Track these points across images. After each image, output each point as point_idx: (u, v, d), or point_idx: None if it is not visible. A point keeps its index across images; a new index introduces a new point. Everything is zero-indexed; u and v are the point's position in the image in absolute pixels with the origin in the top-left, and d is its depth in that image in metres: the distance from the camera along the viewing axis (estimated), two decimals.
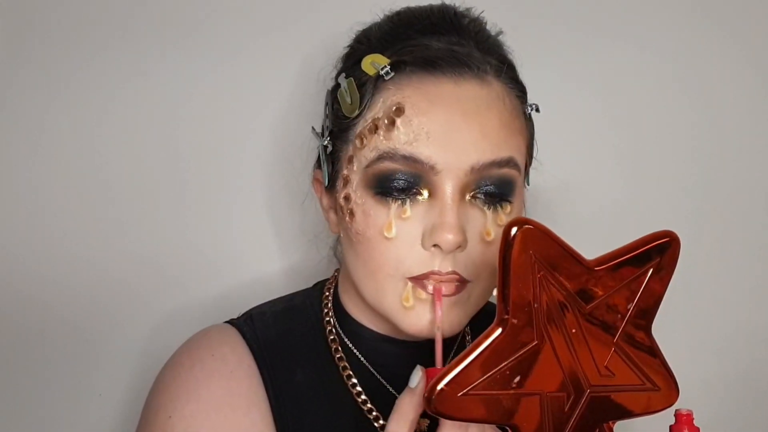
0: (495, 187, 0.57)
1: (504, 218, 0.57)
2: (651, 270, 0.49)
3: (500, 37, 0.66)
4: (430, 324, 0.57)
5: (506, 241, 0.46)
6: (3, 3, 0.80)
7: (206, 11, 0.84)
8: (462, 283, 0.57)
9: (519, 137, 0.59)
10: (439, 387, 0.47)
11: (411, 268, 0.56)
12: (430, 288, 0.56)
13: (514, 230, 0.46)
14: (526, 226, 0.46)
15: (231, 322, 0.67)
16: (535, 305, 0.47)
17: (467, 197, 0.57)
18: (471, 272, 0.57)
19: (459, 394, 0.47)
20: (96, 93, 0.82)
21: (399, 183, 0.56)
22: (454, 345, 0.68)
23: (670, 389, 0.53)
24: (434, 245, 0.55)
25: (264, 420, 0.60)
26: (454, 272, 0.56)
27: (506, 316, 0.47)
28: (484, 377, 0.47)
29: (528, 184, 0.65)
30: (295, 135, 0.81)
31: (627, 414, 0.52)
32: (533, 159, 0.66)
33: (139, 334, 0.83)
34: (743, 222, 0.92)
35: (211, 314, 0.73)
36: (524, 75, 0.84)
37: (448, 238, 0.54)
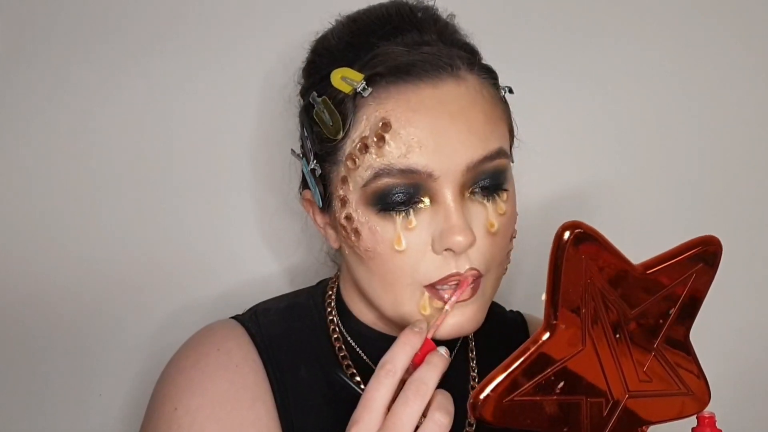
0: (490, 180, 0.57)
1: (503, 206, 0.58)
2: (694, 275, 0.49)
3: (454, 20, 0.65)
4: (451, 327, 0.57)
5: (558, 245, 0.45)
6: (3, 3, 0.78)
7: (205, 11, 0.83)
8: (478, 279, 0.57)
9: (501, 124, 0.60)
10: (485, 392, 0.46)
11: (428, 275, 0.56)
12: (446, 296, 0.57)
13: (566, 234, 0.45)
14: (578, 230, 0.45)
15: (236, 317, 0.67)
16: (583, 310, 0.47)
17: (466, 194, 0.57)
18: (484, 266, 0.57)
19: (504, 400, 0.46)
20: (94, 95, 0.81)
21: (400, 196, 0.55)
22: (457, 341, 0.68)
23: (703, 393, 0.53)
24: (446, 249, 0.56)
25: (269, 414, 0.60)
26: (472, 268, 0.56)
27: (554, 322, 0.46)
28: (530, 383, 0.47)
29: (513, 162, 0.65)
30: (291, 135, 0.80)
31: (661, 418, 0.52)
32: (515, 138, 0.66)
33: (139, 335, 0.83)
34: (747, 222, 0.93)
35: (211, 315, 0.72)
36: (541, 75, 0.84)
37: (459, 240, 0.54)
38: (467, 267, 0.56)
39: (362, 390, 0.62)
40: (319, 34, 0.65)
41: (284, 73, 0.77)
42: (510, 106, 0.63)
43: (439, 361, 0.52)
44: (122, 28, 0.81)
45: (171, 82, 0.82)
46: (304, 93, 0.63)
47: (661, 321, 0.50)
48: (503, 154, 0.58)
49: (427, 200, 0.56)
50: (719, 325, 0.90)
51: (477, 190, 0.57)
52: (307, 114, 0.62)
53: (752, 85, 0.92)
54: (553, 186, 0.89)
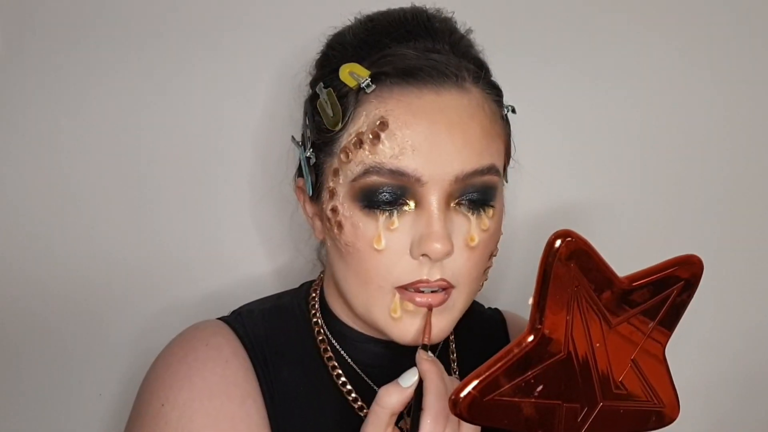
0: (478, 194, 0.58)
1: (487, 222, 0.59)
2: (675, 291, 0.51)
3: (470, 36, 0.65)
4: (417, 333, 0.58)
5: (549, 252, 0.46)
6: (3, 3, 0.78)
7: (201, 18, 0.83)
8: (448, 289, 0.58)
9: (498, 142, 0.60)
10: (466, 390, 0.47)
11: (400, 277, 0.57)
12: (418, 300, 0.57)
13: (558, 242, 0.46)
14: (569, 238, 0.47)
15: (221, 319, 0.67)
16: (567, 317, 0.48)
17: (452, 205, 0.58)
18: (457, 278, 0.58)
19: (485, 399, 0.47)
20: (82, 97, 0.81)
21: (386, 196, 0.56)
22: (438, 345, 0.69)
23: (673, 407, 0.54)
24: (423, 254, 0.56)
25: (259, 412, 0.60)
26: (442, 279, 0.57)
27: (539, 326, 0.48)
28: (510, 384, 0.48)
29: (507, 182, 0.66)
30: (282, 137, 0.81)
31: (632, 428, 0.53)
32: (510, 158, 0.67)
33: (129, 336, 0.83)
34: (749, 225, 0.95)
35: (202, 316, 0.72)
36: (541, 83, 0.84)
37: (437, 247, 0.55)
38: (438, 277, 0.57)
39: (348, 391, 0.63)
40: (337, 30, 0.66)
41: (283, 79, 0.79)
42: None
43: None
44: (120, 25, 0.81)
45: (159, 82, 0.82)
46: (314, 84, 0.64)
47: (641, 333, 0.51)
48: (495, 171, 0.58)
49: (412, 204, 0.57)
50: (721, 327, 0.93)
51: (464, 202, 0.58)
52: (311, 103, 0.62)
53: (745, 99, 0.93)
54: (544, 197, 0.90)
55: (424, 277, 0.57)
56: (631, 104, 0.91)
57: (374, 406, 0.52)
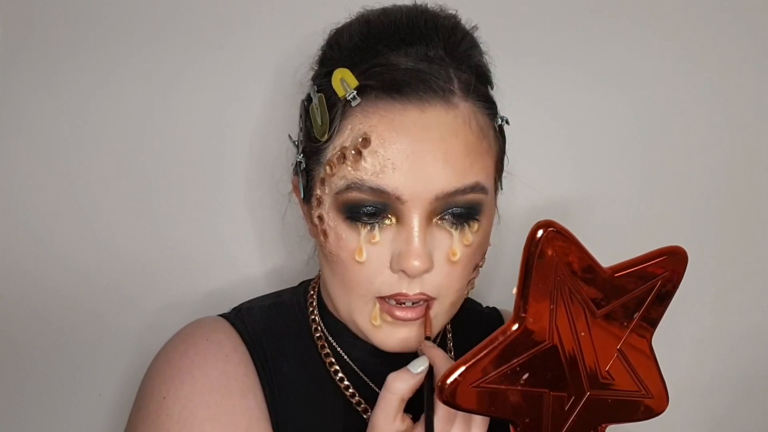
0: (462, 209, 0.58)
1: (470, 237, 0.59)
2: (659, 282, 0.51)
3: (476, 33, 0.65)
4: (397, 341, 0.60)
5: (531, 242, 0.47)
6: (3, 3, 0.79)
7: (201, 16, 0.84)
8: (429, 301, 0.59)
9: (486, 158, 0.59)
10: (453, 377, 0.48)
11: (381, 289, 0.59)
12: (397, 313, 0.59)
13: (540, 232, 0.47)
14: (551, 228, 0.47)
15: (222, 315, 0.68)
16: (551, 306, 0.49)
17: (434, 220, 0.58)
18: (438, 291, 0.59)
19: (471, 386, 0.48)
20: (82, 96, 0.82)
21: (367, 210, 0.57)
22: (437, 337, 0.70)
23: (662, 397, 0.55)
24: (402, 270, 0.57)
25: (259, 406, 0.61)
26: (421, 293, 0.58)
27: (523, 314, 0.48)
28: (496, 371, 0.49)
29: (501, 189, 0.66)
30: (279, 137, 0.81)
31: (620, 418, 0.54)
32: (504, 170, 0.66)
33: (129, 335, 0.84)
34: (746, 224, 0.95)
35: (202, 314, 0.73)
36: (532, 82, 0.85)
37: (415, 264, 0.56)
38: (417, 291, 0.58)
39: (346, 387, 0.64)
40: (340, 24, 0.65)
41: (284, 77, 0.79)
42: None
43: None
44: (121, 24, 0.82)
45: (159, 83, 0.83)
46: (314, 80, 0.64)
47: (625, 323, 0.52)
48: (479, 189, 0.58)
49: (393, 219, 0.57)
50: (719, 326, 0.94)
51: (447, 216, 0.58)
52: (305, 105, 0.63)
53: (743, 100, 0.94)
54: (539, 195, 0.90)
55: (404, 291, 0.58)
56: (629, 104, 0.92)
57: (384, 392, 0.53)
